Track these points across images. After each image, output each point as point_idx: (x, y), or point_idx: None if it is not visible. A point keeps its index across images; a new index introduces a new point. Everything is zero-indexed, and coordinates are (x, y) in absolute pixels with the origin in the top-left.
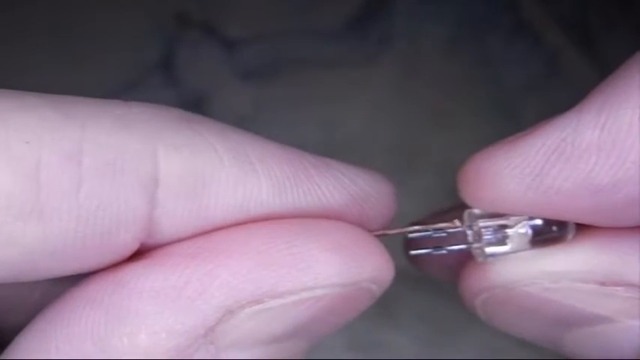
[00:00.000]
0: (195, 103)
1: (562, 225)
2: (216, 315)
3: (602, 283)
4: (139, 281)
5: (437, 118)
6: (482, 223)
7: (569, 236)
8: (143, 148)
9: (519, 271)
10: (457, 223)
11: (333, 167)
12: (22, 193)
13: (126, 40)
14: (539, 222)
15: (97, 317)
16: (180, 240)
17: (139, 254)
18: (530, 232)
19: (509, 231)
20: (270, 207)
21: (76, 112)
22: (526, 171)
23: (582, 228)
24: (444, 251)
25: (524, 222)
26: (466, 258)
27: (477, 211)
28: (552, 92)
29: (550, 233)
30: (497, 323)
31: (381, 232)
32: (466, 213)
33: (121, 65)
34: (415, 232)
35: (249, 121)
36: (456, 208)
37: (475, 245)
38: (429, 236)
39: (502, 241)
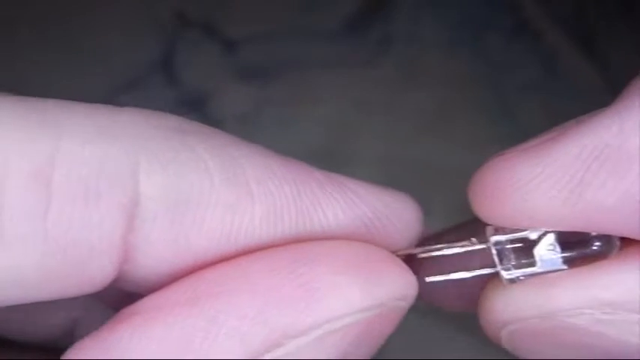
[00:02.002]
0: (195, 103)
1: (603, 239)
2: None
3: None
4: (132, 344)
5: (436, 118)
6: (505, 237)
7: (613, 252)
8: (123, 163)
9: (563, 298)
10: (475, 240)
11: (345, 187)
12: None
13: (126, 39)
14: (570, 237)
15: None
16: (161, 268)
17: (130, 302)
18: (558, 248)
19: (537, 248)
20: (264, 236)
21: (55, 119)
22: (562, 182)
23: (634, 243)
24: (466, 276)
25: (552, 236)
26: (485, 282)
27: (498, 226)
28: (552, 92)
29: (587, 249)
30: (526, 356)
31: (405, 251)
32: (488, 229)
33: (121, 65)
34: (438, 250)
35: (249, 120)
36: (467, 224)
37: (501, 267)
38: (443, 261)
39: (531, 262)
